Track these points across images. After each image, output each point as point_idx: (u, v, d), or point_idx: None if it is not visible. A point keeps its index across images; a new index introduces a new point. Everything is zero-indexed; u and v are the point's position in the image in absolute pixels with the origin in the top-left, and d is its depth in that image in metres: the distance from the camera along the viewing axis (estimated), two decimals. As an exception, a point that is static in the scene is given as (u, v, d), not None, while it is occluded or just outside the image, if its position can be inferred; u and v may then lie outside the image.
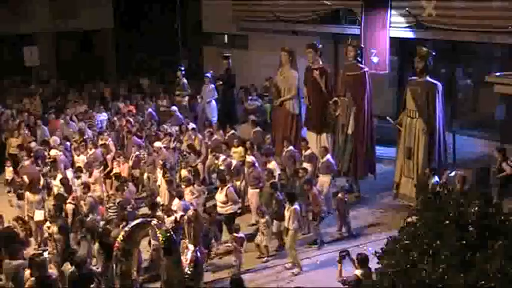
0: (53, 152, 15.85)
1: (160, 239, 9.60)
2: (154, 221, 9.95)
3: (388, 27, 16.62)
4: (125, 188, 13.31)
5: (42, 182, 14.20)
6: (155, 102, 21.75)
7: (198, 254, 10.04)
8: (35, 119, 19.02)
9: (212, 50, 25.43)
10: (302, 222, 12.42)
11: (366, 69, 15.03)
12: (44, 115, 20.15)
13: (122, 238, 9.60)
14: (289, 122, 16.28)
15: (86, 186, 13.23)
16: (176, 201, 12.51)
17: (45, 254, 10.50)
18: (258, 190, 13.44)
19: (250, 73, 22.76)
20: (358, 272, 8.95)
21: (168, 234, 9.50)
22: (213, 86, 19.88)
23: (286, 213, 11.74)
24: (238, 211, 13.48)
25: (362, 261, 8.99)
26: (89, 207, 12.71)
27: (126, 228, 9.81)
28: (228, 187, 12.96)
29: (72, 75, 26.70)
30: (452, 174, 12.58)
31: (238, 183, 14.22)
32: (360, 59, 15.00)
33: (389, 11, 16.63)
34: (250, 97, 20.76)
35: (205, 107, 19.95)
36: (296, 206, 11.69)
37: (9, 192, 15.78)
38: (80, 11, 28.50)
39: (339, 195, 13.04)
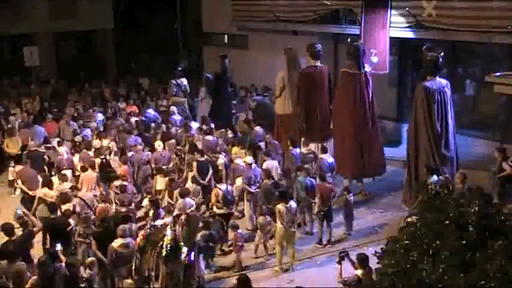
0: (61, 149, 15.84)
1: (164, 246, 9.73)
2: (169, 226, 10.18)
3: (388, 27, 16.61)
4: (120, 188, 13.33)
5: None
6: (155, 102, 21.78)
7: (192, 256, 10.07)
8: (33, 119, 19.06)
9: (212, 50, 25.43)
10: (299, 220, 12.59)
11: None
12: (42, 115, 20.15)
13: (142, 237, 10.03)
14: (274, 122, 16.63)
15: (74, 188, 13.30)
16: (180, 200, 12.49)
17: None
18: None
19: (250, 73, 22.77)
20: (359, 272, 8.95)
21: (174, 244, 9.64)
22: (210, 87, 19.82)
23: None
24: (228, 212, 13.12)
25: (362, 261, 8.98)
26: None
27: (147, 228, 10.33)
28: (216, 187, 13.00)
29: (72, 75, 26.69)
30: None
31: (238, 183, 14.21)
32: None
33: (389, 11, 16.62)
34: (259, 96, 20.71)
35: (199, 107, 19.93)
36: (281, 205, 11.60)
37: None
38: (80, 11, 28.54)
39: (347, 196, 13.03)
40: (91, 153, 15.62)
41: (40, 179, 14.21)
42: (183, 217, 11.55)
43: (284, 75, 16.31)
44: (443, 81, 13.70)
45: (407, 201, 13.94)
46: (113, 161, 15.69)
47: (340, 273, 9.14)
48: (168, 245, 9.74)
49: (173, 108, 19.40)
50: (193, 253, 10.12)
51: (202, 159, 14.51)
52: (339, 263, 9.18)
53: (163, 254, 9.78)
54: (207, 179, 14.13)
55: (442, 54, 13.50)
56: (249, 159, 14.05)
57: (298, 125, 15.94)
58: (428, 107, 13.38)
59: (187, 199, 12.48)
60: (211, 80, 19.91)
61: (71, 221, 11.63)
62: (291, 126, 16.25)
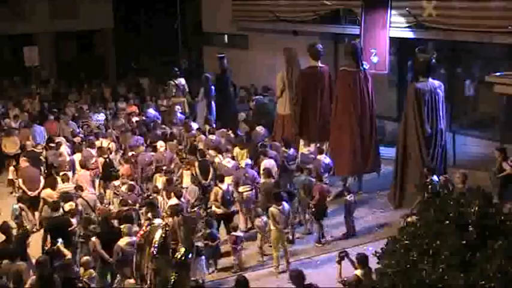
0: (62, 149, 15.84)
1: (153, 243, 9.78)
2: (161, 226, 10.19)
3: (388, 27, 16.62)
4: (128, 187, 13.32)
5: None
6: (155, 102, 21.78)
7: (189, 256, 10.09)
8: (32, 119, 19.08)
9: (212, 50, 25.40)
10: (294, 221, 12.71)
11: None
12: (42, 115, 20.13)
13: (141, 235, 10.13)
14: (276, 123, 16.60)
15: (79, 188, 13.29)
16: (174, 200, 12.46)
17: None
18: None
19: (250, 73, 22.76)
20: (359, 272, 8.95)
21: (162, 242, 9.68)
22: (208, 87, 19.81)
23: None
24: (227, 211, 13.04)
25: (362, 261, 8.98)
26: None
27: (144, 227, 10.36)
28: (216, 186, 12.97)
29: (72, 75, 26.71)
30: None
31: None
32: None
33: (389, 11, 16.63)
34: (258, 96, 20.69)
35: (198, 107, 19.97)
36: (273, 207, 11.60)
37: (11, 193, 15.95)
38: (80, 11, 28.55)
39: (348, 196, 13.02)
40: (93, 151, 15.62)
41: (42, 180, 14.23)
42: (179, 217, 11.53)
43: (283, 75, 16.30)
44: (436, 83, 13.74)
45: (392, 199, 14.02)
46: (114, 161, 15.69)
47: (339, 273, 9.15)
48: (157, 242, 9.79)
49: (177, 108, 19.43)
50: (190, 254, 10.14)
51: (203, 159, 14.48)
52: (339, 263, 9.19)
53: (151, 251, 9.86)
54: (208, 179, 14.12)
55: (434, 55, 13.55)
56: (245, 160, 14.03)
57: (293, 126, 15.97)
58: (418, 108, 13.45)
59: (183, 199, 12.50)
60: (210, 80, 19.88)
61: (73, 220, 11.65)
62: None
